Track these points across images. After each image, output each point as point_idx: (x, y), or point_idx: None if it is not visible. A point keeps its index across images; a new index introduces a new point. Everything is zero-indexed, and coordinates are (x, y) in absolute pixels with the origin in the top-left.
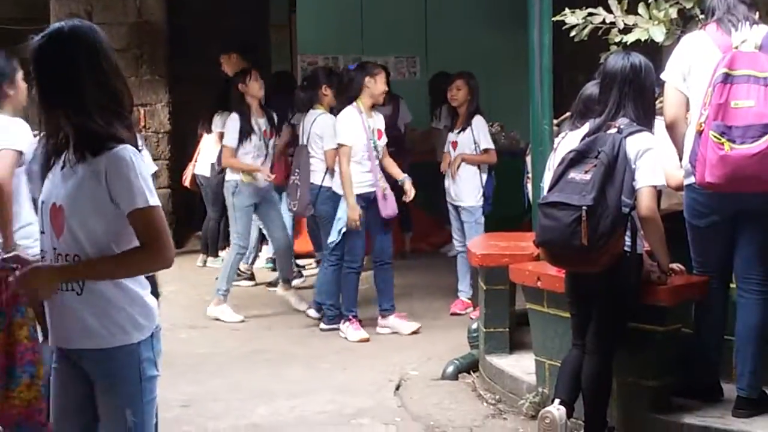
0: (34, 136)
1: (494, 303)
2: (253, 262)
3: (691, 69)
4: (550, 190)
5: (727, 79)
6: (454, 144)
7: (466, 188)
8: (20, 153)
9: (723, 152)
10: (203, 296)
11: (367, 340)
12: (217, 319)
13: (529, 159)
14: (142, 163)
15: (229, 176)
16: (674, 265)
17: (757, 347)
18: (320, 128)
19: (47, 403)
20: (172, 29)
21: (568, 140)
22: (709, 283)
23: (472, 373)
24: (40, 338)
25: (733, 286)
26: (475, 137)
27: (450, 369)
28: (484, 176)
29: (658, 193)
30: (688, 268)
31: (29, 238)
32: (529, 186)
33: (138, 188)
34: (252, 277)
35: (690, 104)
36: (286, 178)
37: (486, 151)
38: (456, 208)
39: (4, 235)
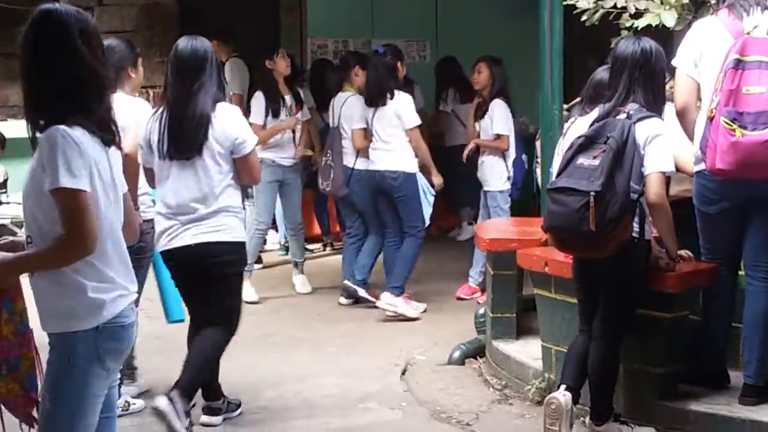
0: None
1: (502, 288)
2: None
3: (702, 55)
4: (558, 175)
5: (739, 65)
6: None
7: (490, 173)
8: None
9: (734, 138)
10: None
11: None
12: None
13: (538, 144)
14: (72, 145)
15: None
16: (682, 252)
17: (765, 335)
18: (350, 109)
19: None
20: (182, 11)
21: (578, 125)
22: (717, 270)
23: (478, 358)
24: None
25: (741, 273)
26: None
27: (456, 354)
28: (509, 161)
29: (667, 179)
30: (697, 255)
31: (143, 204)
32: (539, 171)
33: (55, 168)
34: (259, 260)
35: (701, 90)
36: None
37: (498, 136)
38: (485, 193)
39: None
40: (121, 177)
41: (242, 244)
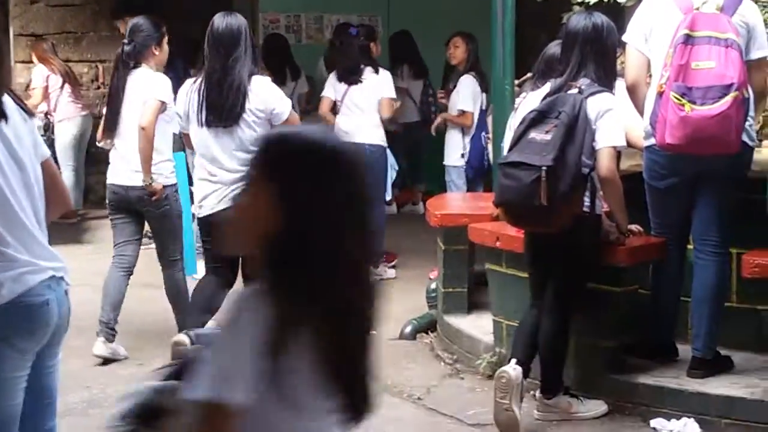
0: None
1: (453, 263)
2: None
3: (652, 30)
4: (510, 150)
5: (688, 40)
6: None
7: (447, 147)
8: (163, 102)
9: (683, 113)
10: None
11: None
12: None
13: (490, 119)
14: None
15: None
16: (632, 226)
17: (713, 308)
18: None
19: None
20: None
21: (529, 100)
22: (666, 244)
23: (430, 333)
24: None
25: (690, 247)
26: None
27: (408, 329)
28: (467, 138)
29: (618, 154)
30: (647, 229)
31: (166, 170)
32: (490, 147)
33: None
34: None
35: (651, 66)
36: None
37: (462, 112)
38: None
39: (144, 170)
40: (37, 147)
41: None
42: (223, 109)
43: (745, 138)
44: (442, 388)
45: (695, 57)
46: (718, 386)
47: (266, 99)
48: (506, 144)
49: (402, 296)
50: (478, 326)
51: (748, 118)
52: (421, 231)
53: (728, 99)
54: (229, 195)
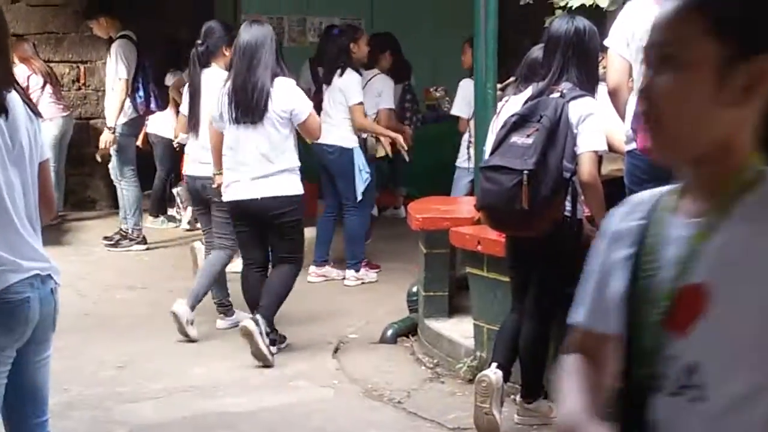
0: None
1: (434, 267)
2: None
3: (634, 34)
4: (491, 153)
5: None
6: None
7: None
8: None
9: None
10: (142, 257)
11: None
12: None
13: (472, 123)
14: None
15: None
16: None
17: None
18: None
19: None
20: None
21: (511, 104)
22: None
23: (410, 336)
24: None
25: None
26: None
27: (389, 332)
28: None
29: (599, 158)
30: None
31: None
32: (471, 152)
33: None
34: (144, 241)
35: (633, 70)
36: None
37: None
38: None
39: (214, 163)
40: (40, 147)
41: (299, 197)
42: (249, 108)
43: None
44: (423, 392)
45: None
46: None
47: (287, 100)
48: (488, 148)
49: (383, 300)
50: (459, 330)
51: None
52: (402, 235)
53: None
54: (253, 188)
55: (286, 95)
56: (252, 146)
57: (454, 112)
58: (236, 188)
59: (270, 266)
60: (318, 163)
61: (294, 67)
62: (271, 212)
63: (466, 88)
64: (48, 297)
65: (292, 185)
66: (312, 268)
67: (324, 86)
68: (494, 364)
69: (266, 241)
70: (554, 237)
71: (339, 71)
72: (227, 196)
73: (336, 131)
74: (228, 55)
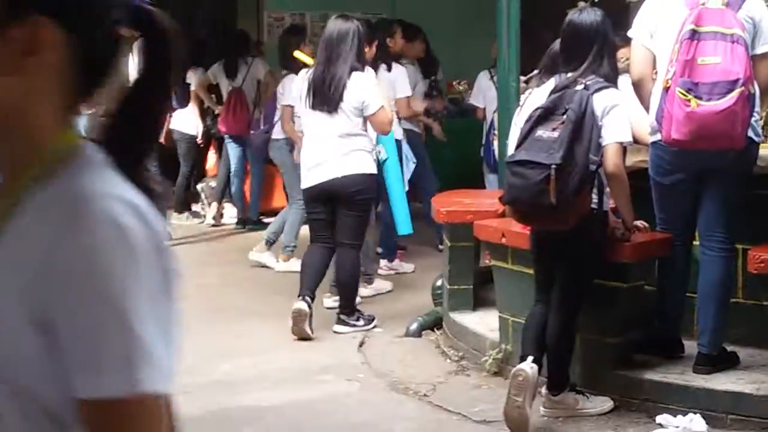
0: None
1: (458, 260)
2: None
3: (658, 26)
4: (517, 147)
5: (694, 35)
6: None
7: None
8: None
9: (689, 109)
10: None
11: None
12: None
13: (496, 116)
14: None
15: (278, 135)
16: (638, 222)
17: (718, 304)
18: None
19: None
20: None
21: (535, 97)
22: (672, 240)
23: (435, 330)
24: None
25: (696, 243)
26: None
27: (414, 326)
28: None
29: (625, 149)
30: (653, 225)
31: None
32: (496, 144)
33: None
34: (169, 237)
35: (657, 61)
36: (247, 128)
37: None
38: None
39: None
40: None
41: (372, 176)
42: (324, 97)
43: (750, 134)
44: (448, 385)
45: (701, 53)
46: (724, 382)
47: (360, 93)
48: (512, 141)
49: (408, 294)
50: (484, 323)
51: (754, 114)
52: (425, 229)
53: (734, 95)
54: (331, 169)
55: (360, 88)
56: (326, 133)
57: (471, 101)
58: (313, 174)
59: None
60: None
61: None
62: (346, 191)
63: (480, 79)
64: None
65: (365, 164)
66: (382, 262)
67: None
68: (530, 358)
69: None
70: (580, 230)
71: (385, 66)
72: (305, 183)
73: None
74: (368, 51)
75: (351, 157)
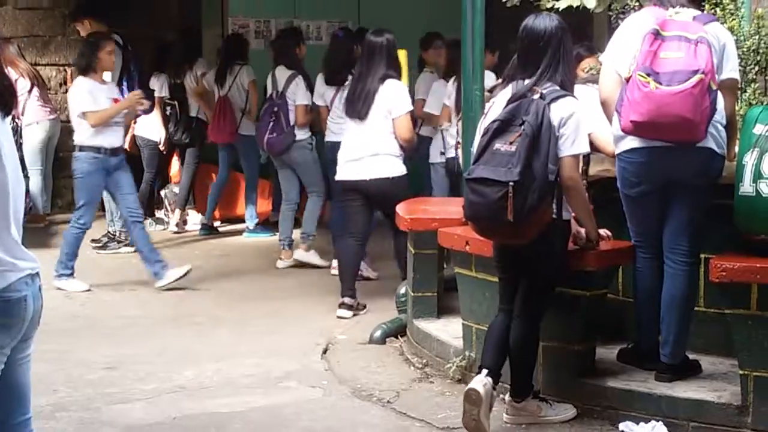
0: None
1: (423, 267)
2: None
3: (630, 51)
4: (475, 161)
5: (658, 35)
6: None
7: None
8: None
9: (648, 89)
10: (130, 259)
11: None
12: (304, 264)
13: (460, 125)
14: None
15: (302, 135)
16: (601, 231)
17: (681, 316)
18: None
19: None
20: None
21: (498, 105)
22: (635, 249)
23: (399, 337)
24: None
25: None
26: None
27: (377, 333)
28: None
29: (587, 159)
30: (619, 236)
31: None
32: (459, 152)
33: None
34: (128, 244)
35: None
36: (233, 136)
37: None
38: None
39: None
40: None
41: (403, 177)
42: (355, 106)
43: (712, 144)
44: (412, 392)
45: (664, 49)
46: (686, 390)
47: (389, 99)
48: (475, 149)
49: (372, 300)
50: (448, 330)
51: (718, 121)
52: (390, 236)
53: (693, 80)
54: (363, 170)
55: (388, 95)
56: (363, 136)
57: (426, 109)
58: (345, 170)
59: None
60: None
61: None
62: (374, 192)
63: (434, 86)
64: (37, 294)
65: (394, 168)
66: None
67: (331, 89)
68: (484, 372)
69: (371, 216)
70: (542, 239)
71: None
72: (338, 176)
73: None
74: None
75: (381, 161)
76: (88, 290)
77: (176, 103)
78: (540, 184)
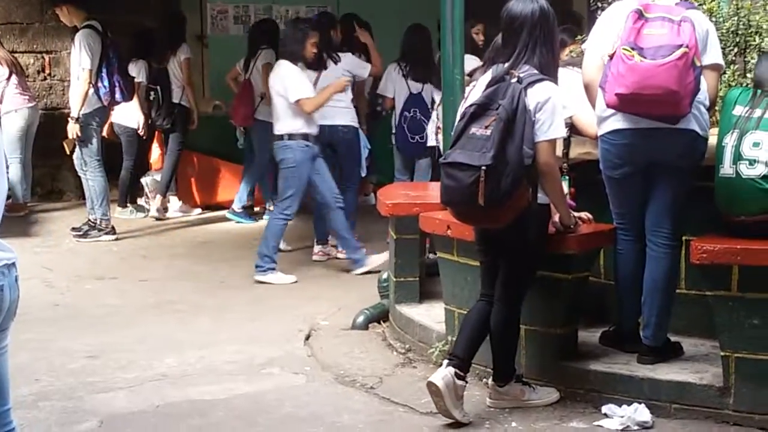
0: None
1: (404, 252)
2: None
3: (612, 31)
4: (452, 146)
5: (642, 16)
6: None
7: None
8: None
9: (632, 62)
10: (111, 247)
11: None
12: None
13: (440, 109)
14: None
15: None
16: (582, 214)
17: (662, 299)
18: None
19: None
20: None
21: (478, 89)
22: (616, 232)
23: (382, 322)
24: None
25: None
26: None
27: (360, 319)
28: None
29: (567, 142)
30: (601, 219)
31: None
32: (440, 137)
33: None
34: (113, 231)
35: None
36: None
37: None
38: None
39: None
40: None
41: None
42: None
43: (695, 126)
44: (395, 378)
45: (648, 27)
46: (668, 372)
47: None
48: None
49: (354, 286)
50: (430, 315)
51: (701, 102)
52: (372, 221)
53: (678, 53)
54: None
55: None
56: None
57: (380, 92)
58: None
59: None
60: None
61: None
62: None
63: (389, 71)
64: (14, 285)
65: None
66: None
67: (313, 73)
68: (445, 362)
69: None
70: (518, 223)
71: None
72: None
73: (347, 111)
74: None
75: None
76: (295, 282)
77: (158, 88)
78: (514, 168)
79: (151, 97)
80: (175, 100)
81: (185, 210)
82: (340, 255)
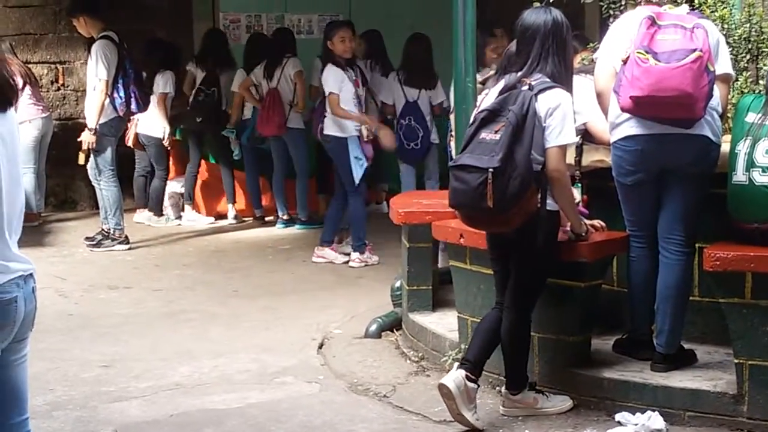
0: None
1: (417, 261)
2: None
3: (625, 39)
4: (462, 150)
5: (654, 23)
6: None
7: None
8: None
9: (647, 65)
10: (124, 256)
11: None
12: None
13: (453, 117)
14: None
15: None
16: (595, 222)
17: (675, 306)
18: None
19: None
20: None
21: (491, 95)
22: (630, 239)
23: (395, 331)
24: None
25: None
26: None
27: (373, 327)
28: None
29: (580, 149)
30: (614, 226)
31: None
32: (453, 144)
33: None
34: (126, 241)
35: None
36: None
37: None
38: None
39: None
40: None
41: None
42: None
43: (708, 133)
44: (408, 386)
45: (661, 33)
46: (681, 379)
47: None
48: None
49: (367, 295)
50: (443, 323)
51: (714, 108)
52: (384, 230)
53: (692, 56)
54: None
55: None
56: None
57: (381, 99)
58: None
59: None
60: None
61: None
62: None
63: (390, 81)
64: (30, 296)
65: None
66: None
67: None
68: (455, 365)
69: None
70: (527, 229)
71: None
72: None
73: (331, 122)
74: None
75: None
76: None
77: (214, 90)
78: (522, 171)
79: (201, 98)
80: (245, 117)
81: (195, 218)
82: (340, 258)
